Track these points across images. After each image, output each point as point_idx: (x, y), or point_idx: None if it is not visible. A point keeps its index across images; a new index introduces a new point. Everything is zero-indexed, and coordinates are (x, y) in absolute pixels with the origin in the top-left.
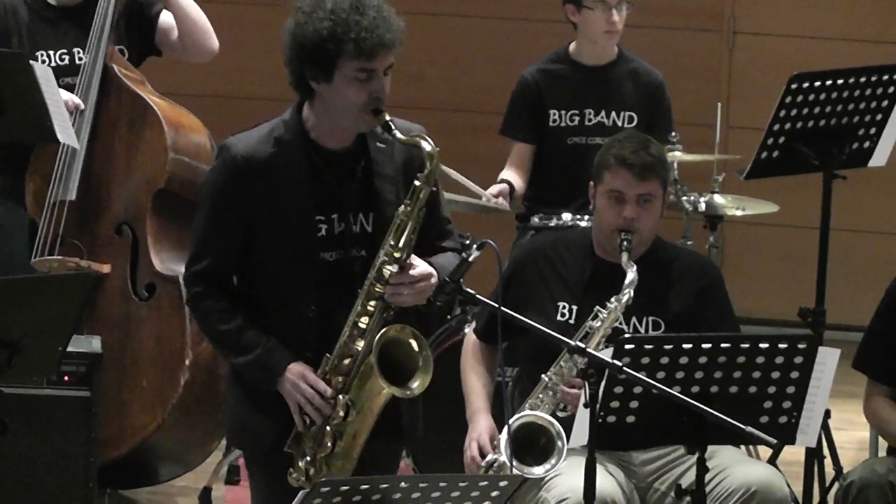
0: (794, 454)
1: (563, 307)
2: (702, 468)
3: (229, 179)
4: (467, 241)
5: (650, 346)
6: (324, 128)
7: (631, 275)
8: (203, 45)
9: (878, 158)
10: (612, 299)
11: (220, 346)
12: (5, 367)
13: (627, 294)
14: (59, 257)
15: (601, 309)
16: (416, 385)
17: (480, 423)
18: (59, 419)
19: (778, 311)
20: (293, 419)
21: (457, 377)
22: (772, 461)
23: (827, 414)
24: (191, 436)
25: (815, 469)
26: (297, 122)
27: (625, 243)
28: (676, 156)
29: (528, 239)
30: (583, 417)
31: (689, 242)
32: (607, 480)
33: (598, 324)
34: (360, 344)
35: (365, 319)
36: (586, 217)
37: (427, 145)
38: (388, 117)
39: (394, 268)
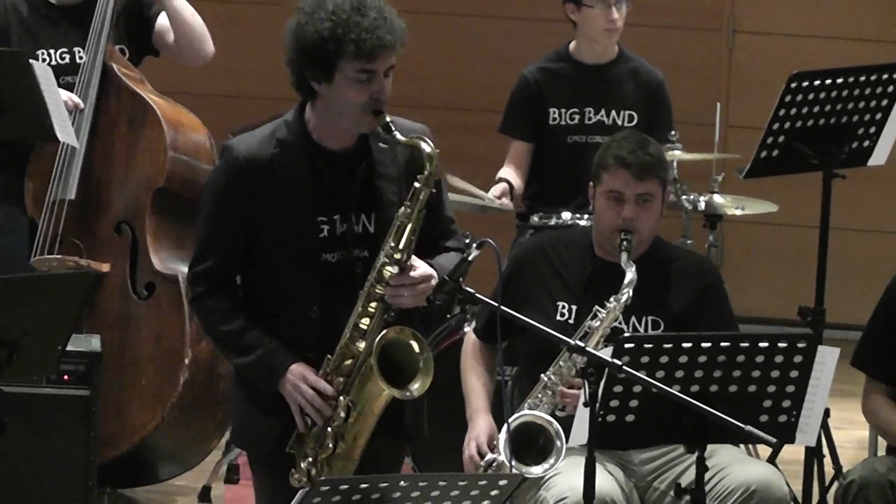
0: (793, 453)
1: (563, 307)
2: (701, 467)
3: (231, 180)
4: (467, 241)
5: (650, 346)
6: (325, 128)
7: (630, 274)
8: (198, 50)
9: (878, 157)
10: (612, 299)
11: (222, 347)
12: (5, 366)
13: (626, 294)
14: (59, 256)
15: (600, 308)
16: (417, 387)
17: (480, 423)
18: (58, 418)
19: (777, 310)
20: (295, 420)
21: (456, 376)
22: (771, 460)
23: (826, 413)
24: (190, 435)
25: (815, 468)
26: (300, 122)
27: (624, 243)
28: (676, 155)
29: (528, 238)
30: (582, 416)
31: (689, 242)
32: (607, 480)
33: (598, 323)
34: (361, 345)
35: (365, 321)
36: (586, 216)
37: (427, 147)
38: (388, 118)
39: (394, 269)
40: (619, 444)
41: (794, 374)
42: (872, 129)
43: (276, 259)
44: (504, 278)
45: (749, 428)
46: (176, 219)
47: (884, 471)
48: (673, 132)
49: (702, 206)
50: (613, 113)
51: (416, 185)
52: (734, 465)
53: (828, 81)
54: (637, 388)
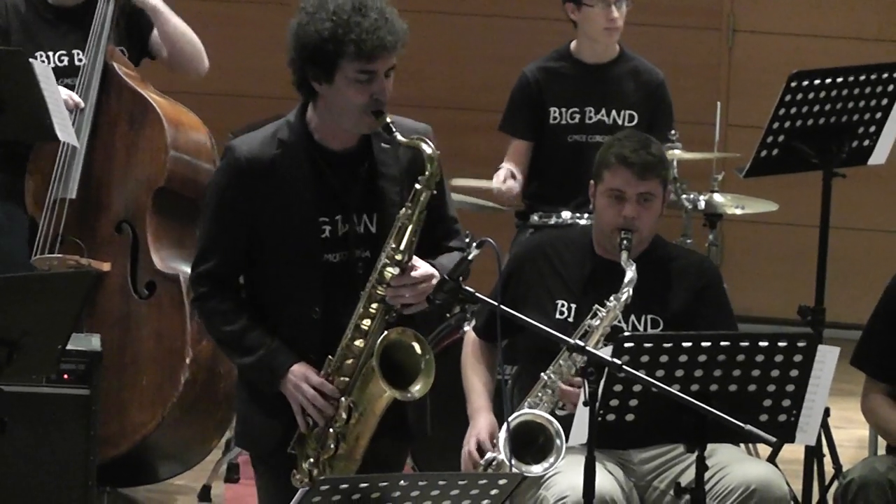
0: (793, 452)
1: (562, 305)
2: (701, 466)
3: (233, 181)
4: (467, 240)
5: (650, 345)
6: (327, 129)
7: (630, 273)
8: (191, 68)
9: (878, 157)
10: (612, 298)
11: (225, 347)
12: (5, 366)
13: (626, 292)
14: (59, 255)
15: (600, 307)
16: (418, 388)
17: (481, 421)
18: (58, 417)
19: (777, 309)
20: (297, 420)
21: (456, 376)
22: (771, 459)
23: (826, 412)
24: (190, 434)
25: (815, 467)
26: (301, 123)
27: (624, 242)
28: (676, 154)
29: (528, 237)
30: (582, 416)
31: (689, 241)
32: (606, 479)
33: (598, 322)
34: (362, 346)
35: (367, 321)
36: (586, 215)
37: (427, 148)
38: (389, 119)
39: (395, 270)
40: (618, 444)
41: (794, 373)
42: (872, 129)
43: (278, 259)
44: (504, 277)
45: (749, 427)
46: (177, 218)
47: (884, 470)
48: (673, 131)
49: (702, 205)
50: (614, 112)
51: (417, 186)
52: (734, 464)
53: (828, 81)
54: (637, 388)
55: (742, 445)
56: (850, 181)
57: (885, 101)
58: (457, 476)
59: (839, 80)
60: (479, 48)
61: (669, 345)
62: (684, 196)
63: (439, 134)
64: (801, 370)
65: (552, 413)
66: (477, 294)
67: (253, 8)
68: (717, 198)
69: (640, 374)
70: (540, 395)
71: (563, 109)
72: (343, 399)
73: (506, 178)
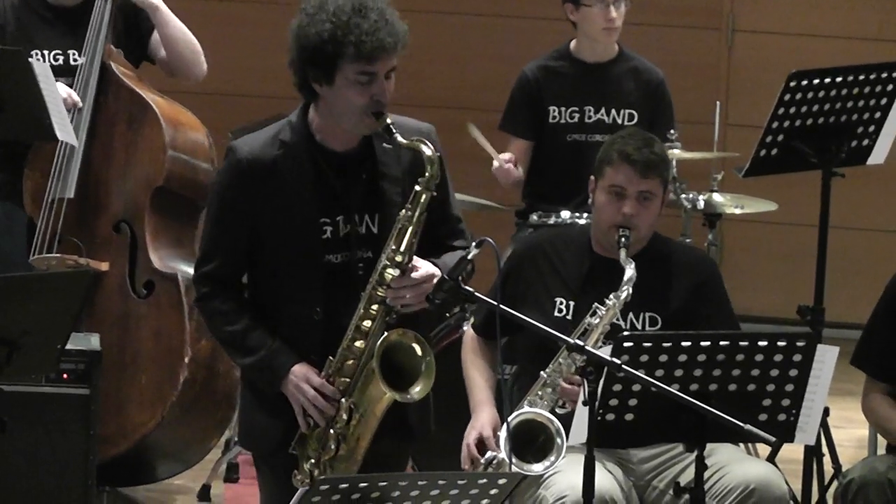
0: (792, 452)
1: (561, 303)
2: (700, 466)
3: (234, 182)
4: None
5: (649, 345)
6: (329, 130)
7: (629, 271)
8: (189, 72)
9: (877, 156)
10: (611, 296)
11: (227, 347)
12: (4, 365)
13: (626, 291)
14: (58, 255)
15: (599, 305)
16: (418, 390)
17: (483, 416)
18: (58, 417)
19: (777, 308)
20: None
21: (456, 375)
22: (771, 459)
23: (826, 412)
24: (190, 433)
25: (814, 467)
26: (303, 124)
27: (623, 240)
28: (675, 153)
29: (527, 235)
30: (581, 415)
31: (688, 240)
32: (606, 478)
33: (597, 321)
34: (363, 347)
35: (367, 323)
36: (585, 215)
37: (427, 150)
38: (390, 120)
39: (395, 272)
40: (618, 443)
41: (793, 372)
42: (872, 128)
43: (280, 260)
44: (503, 275)
45: (748, 427)
46: (175, 217)
47: (884, 469)
48: (672, 131)
49: (701, 204)
50: (613, 111)
51: (417, 188)
52: (733, 463)
53: (827, 80)
54: (636, 387)
55: (741, 445)
56: (850, 181)
57: (884, 101)
58: (456, 476)
59: (838, 79)
60: (479, 48)
61: (669, 344)
62: (683, 195)
63: (439, 134)
64: (801, 370)
65: (552, 411)
66: (476, 293)
67: (253, 8)
68: (717, 197)
69: (640, 373)
70: (539, 393)
71: (563, 108)
72: (344, 400)
73: (510, 160)
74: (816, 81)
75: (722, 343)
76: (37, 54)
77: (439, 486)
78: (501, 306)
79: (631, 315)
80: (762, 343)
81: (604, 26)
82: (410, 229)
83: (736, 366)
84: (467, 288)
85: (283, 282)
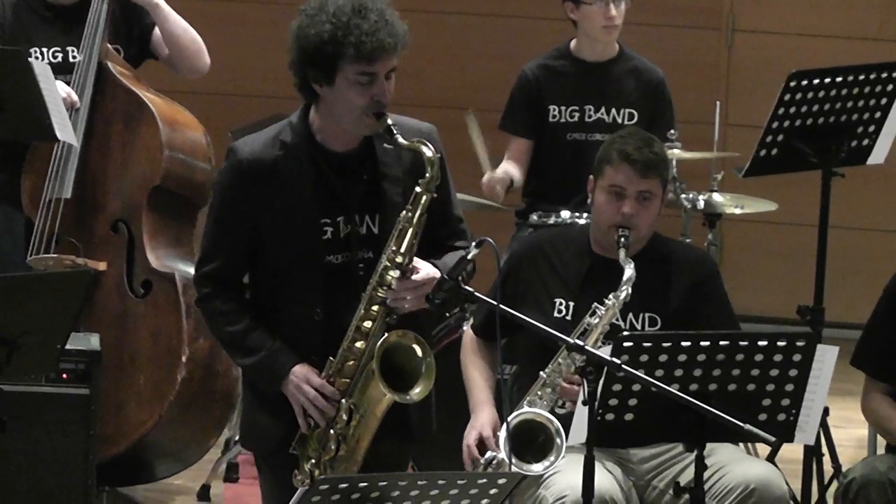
0: (792, 452)
1: (560, 303)
2: (700, 466)
3: (235, 182)
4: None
5: (649, 344)
6: (329, 131)
7: (629, 271)
8: (191, 66)
9: (877, 156)
10: (611, 296)
11: (227, 348)
12: (4, 365)
13: (625, 291)
14: (55, 255)
15: (599, 306)
16: (418, 391)
17: (483, 416)
18: (57, 417)
19: (777, 308)
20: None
21: (456, 376)
22: (770, 459)
23: (825, 411)
24: (188, 433)
25: (814, 467)
26: (304, 125)
27: (622, 240)
28: (675, 153)
29: (526, 235)
30: (581, 415)
31: (688, 240)
32: (606, 478)
33: (596, 321)
34: (363, 348)
35: (368, 323)
36: (585, 214)
37: (428, 151)
38: (390, 121)
39: (396, 273)
40: (618, 443)
41: (793, 372)
42: (871, 128)
43: (280, 261)
44: (502, 275)
45: (748, 427)
46: (173, 217)
47: (884, 469)
48: (672, 131)
49: (701, 204)
50: (613, 111)
51: (417, 189)
52: (733, 463)
53: (827, 80)
54: (636, 387)
55: (741, 445)
56: (850, 181)
57: (884, 101)
58: (456, 475)
59: (838, 79)
60: (479, 48)
61: (668, 344)
62: (683, 195)
63: (439, 134)
64: (801, 369)
65: (552, 411)
66: (476, 293)
67: (253, 8)
68: (717, 197)
69: (640, 373)
70: (539, 393)
71: (563, 107)
72: (344, 401)
73: (501, 182)
74: (816, 81)
75: (722, 343)
76: (36, 52)
77: (439, 486)
78: (501, 306)
79: (630, 315)
80: (762, 343)
81: (604, 24)
82: (411, 230)
83: (736, 366)
84: (467, 288)
85: (284, 282)
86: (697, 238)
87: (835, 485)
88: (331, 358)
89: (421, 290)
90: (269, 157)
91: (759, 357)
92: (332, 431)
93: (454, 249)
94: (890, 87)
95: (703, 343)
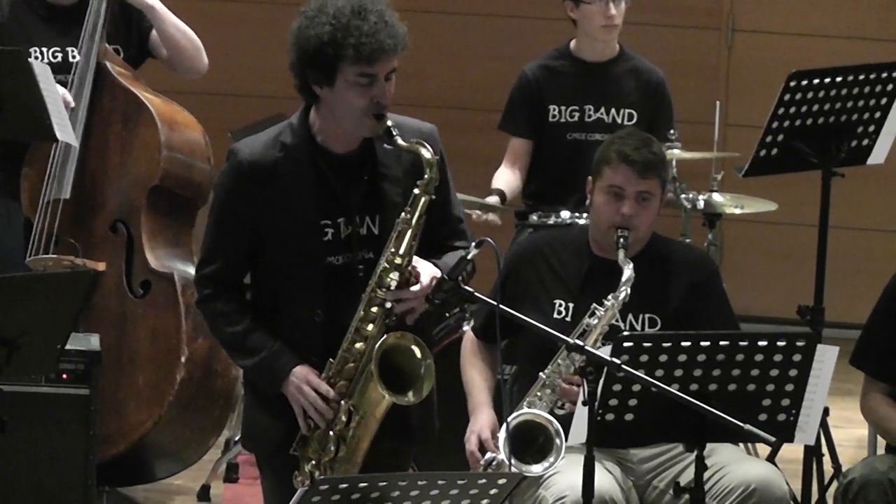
0: (792, 452)
1: (560, 304)
2: (700, 466)
3: (236, 184)
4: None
5: (649, 345)
6: (330, 132)
7: (628, 272)
8: (190, 67)
9: (877, 156)
10: (610, 297)
11: (228, 348)
12: (4, 365)
13: (624, 291)
14: (54, 256)
15: (598, 306)
16: (417, 393)
17: (482, 417)
18: (57, 417)
19: (777, 308)
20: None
21: (455, 376)
22: (770, 459)
23: (826, 412)
24: (188, 433)
25: (814, 467)
26: (304, 126)
27: (621, 240)
28: (675, 153)
29: (525, 236)
30: (581, 415)
31: (688, 240)
32: (605, 478)
33: (595, 321)
34: (363, 349)
35: (367, 325)
36: (585, 215)
37: (426, 153)
38: (390, 122)
39: (395, 275)
40: (618, 443)
41: (793, 372)
42: (872, 128)
43: (281, 262)
44: (502, 276)
45: (748, 427)
46: (172, 217)
47: (884, 469)
48: (672, 131)
49: (701, 204)
50: (613, 111)
51: (416, 191)
52: (733, 463)
53: (827, 80)
54: (636, 387)
55: (741, 445)
56: (850, 181)
57: (884, 101)
58: (456, 476)
59: (838, 79)
60: (478, 48)
61: (668, 344)
62: (683, 196)
63: (439, 133)
64: (801, 370)
65: (551, 412)
66: (476, 294)
67: (253, 8)
68: (717, 197)
69: (640, 373)
70: (539, 394)
71: (563, 107)
72: (343, 402)
73: (491, 206)
74: (816, 81)
75: (722, 343)
76: (35, 52)
77: (439, 486)
78: (501, 306)
79: (630, 316)
80: (762, 343)
81: (603, 24)
82: (410, 232)
83: (736, 366)
84: (467, 288)
85: (285, 283)
86: (697, 238)
87: (835, 485)
88: (330, 359)
89: (422, 291)
90: (269, 159)
91: (759, 357)
92: (331, 433)
93: (454, 249)
94: (890, 87)
95: (703, 343)
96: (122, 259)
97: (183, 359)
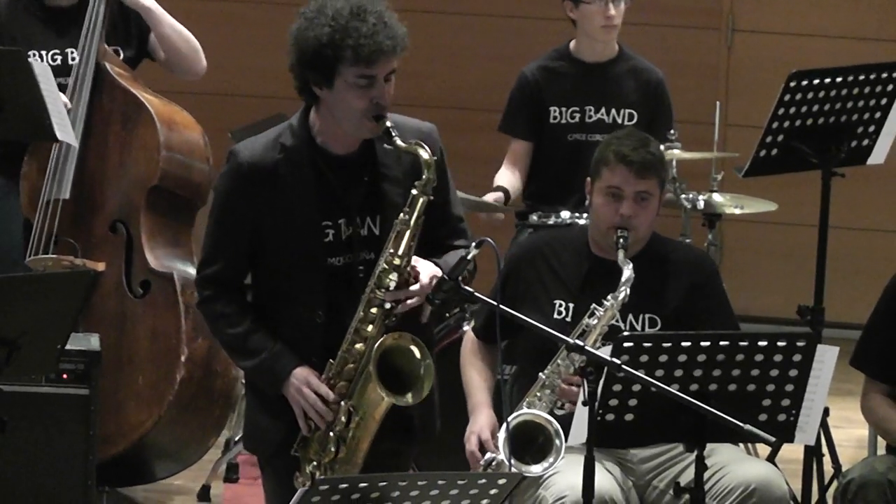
0: (792, 452)
1: (560, 305)
2: (700, 466)
3: (236, 185)
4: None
5: (649, 345)
6: (329, 133)
7: (627, 272)
8: (189, 67)
9: (877, 156)
10: (609, 297)
11: (229, 350)
12: (4, 365)
13: (624, 291)
14: (54, 256)
15: (597, 306)
16: (416, 394)
17: (481, 418)
18: (57, 417)
19: (777, 309)
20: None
21: (455, 376)
22: (770, 459)
23: (826, 412)
24: (188, 432)
25: (814, 467)
26: (304, 127)
27: (621, 241)
28: (675, 154)
29: (525, 237)
30: (581, 415)
31: (688, 241)
32: (605, 478)
33: (595, 321)
34: (362, 350)
35: (366, 326)
36: (585, 215)
37: (424, 153)
38: (389, 123)
39: (394, 275)
40: (618, 443)
41: (793, 372)
42: (872, 128)
43: (282, 263)
44: (502, 277)
45: (748, 427)
46: (171, 217)
47: (883, 470)
48: (672, 131)
49: (701, 204)
50: (613, 111)
51: (414, 191)
52: (733, 463)
53: (827, 80)
54: (636, 387)
55: (741, 445)
56: (850, 181)
57: (884, 101)
58: (456, 476)
59: (838, 79)
60: (478, 48)
61: (668, 344)
62: (683, 196)
63: (439, 133)
64: (801, 370)
65: (551, 412)
66: (476, 294)
67: (253, 8)
68: (717, 197)
69: (640, 373)
70: (538, 394)
71: (563, 108)
72: (343, 403)
73: (496, 202)
74: (816, 81)
75: (722, 343)
76: (35, 55)
77: (439, 486)
78: (501, 307)
79: (630, 316)
80: (762, 343)
81: (602, 24)
82: (408, 233)
83: (736, 366)
84: (467, 288)
85: (285, 285)
86: (697, 238)
87: (835, 485)
88: (330, 360)
89: (422, 290)
90: (269, 160)
91: (759, 357)
92: (331, 433)
93: (455, 248)
94: (890, 87)
95: (703, 343)
96: (121, 259)
97: (183, 358)
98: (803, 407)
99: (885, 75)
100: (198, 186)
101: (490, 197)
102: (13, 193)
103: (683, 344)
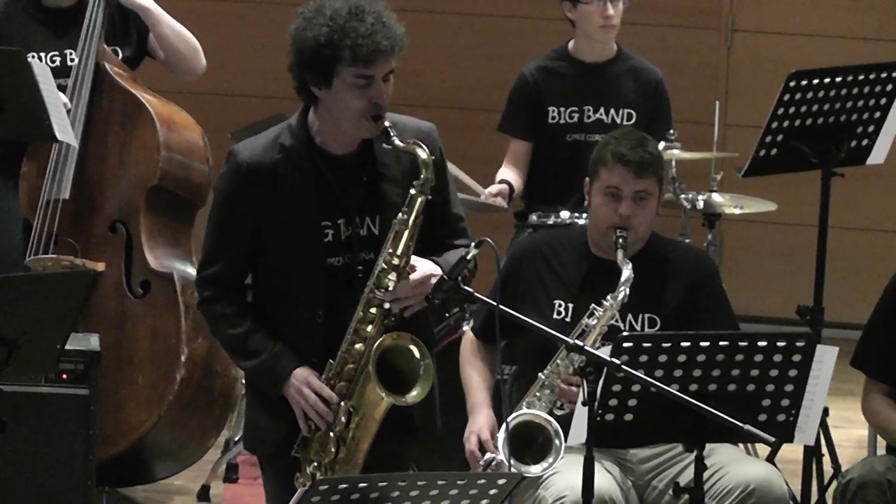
0: (792, 452)
1: (559, 305)
2: (700, 466)
3: (236, 186)
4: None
5: (648, 345)
6: (328, 133)
7: (627, 272)
8: (188, 67)
9: (877, 156)
10: (608, 297)
11: (229, 350)
12: (4, 365)
13: (623, 291)
14: (53, 256)
15: (597, 306)
16: (415, 394)
17: (480, 417)
18: (57, 417)
19: (776, 309)
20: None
21: (455, 376)
22: (770, 459)
23: (825, 412)
24: (187, 433)
25: (814, 467)
26: (303, 127)
27: (620, 240)
28: (675, 154)
29: (525, 237)
30: (581, 415)
31: (688, 241)
32: (605, 478)
33: (594, 321)
34: (362, 350)
35: (366, 326)
36: (584, 215)
37: (423, 153)
38: (388, 123)
39: (393, 276)
40: (617, 443)
41: (792, 373)
42: (871, 128)
43: (282, 263)
44: (502, 277)
45: (748, 427)
46: (171, 217)
47: (882, 470)
48: (672, 131)
49: (700, 204)
50: (612, 111)
51: (412, 191)
52: (733, 464)
53: (827, 80)
54: (636, 387)
55: (741, 445)
56: (850, 181)
57: (884, 101)
58: (455, 476)
59: (838, 79)
60: (477, 48)
61: (668, 344)
62: (683, 196)
63: (439, 133)
64: (800, 370)
65: (550, 413)
66: (476, 293)
67: (253, 8)
68: (716, 197)
69: (639, 373)
70: (538, 395)
71: (562, 109)
72: (342, 403)
73: (500, 192)
74: (816, 81)
75: (721, 343)
76: (33, 56)
77: (439, 486)
78: (501, 307)
79: (630, 316)
80: (761, 343)
81: (601, 24)
82: (407, 232)
83: (735, 366)
84: (467, 288)
85: (285, 285)
86: (697, 238)
87: (834, 485)
88: (330, 361)
89: (420, 288)
90: (268, 161)
91: (758, 357)
92: (331, 434)
93: (454, 248)
94: (890, 87)
95: (702, 343)
96: (121, 259)
97: (183, 358)
98: (803, 407)
99: (884, 75)
100: (197, 187)
101: (494, 188)
102: (13, 193)
103: (683, 344)
